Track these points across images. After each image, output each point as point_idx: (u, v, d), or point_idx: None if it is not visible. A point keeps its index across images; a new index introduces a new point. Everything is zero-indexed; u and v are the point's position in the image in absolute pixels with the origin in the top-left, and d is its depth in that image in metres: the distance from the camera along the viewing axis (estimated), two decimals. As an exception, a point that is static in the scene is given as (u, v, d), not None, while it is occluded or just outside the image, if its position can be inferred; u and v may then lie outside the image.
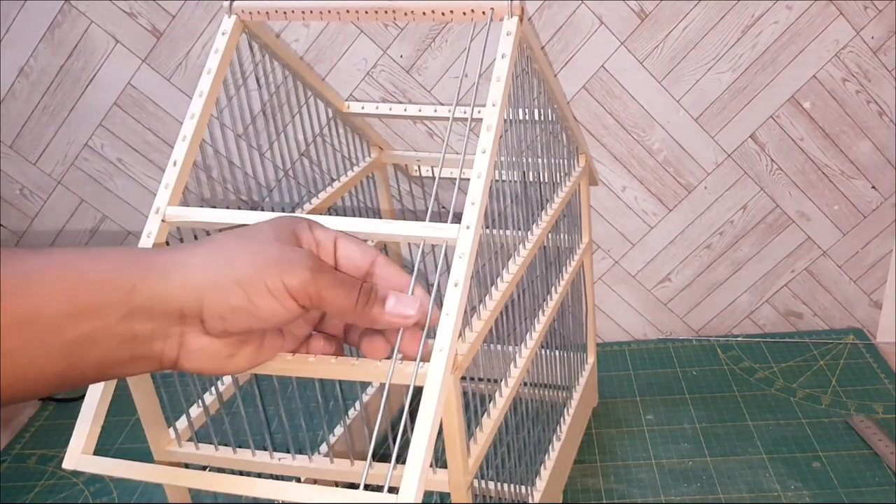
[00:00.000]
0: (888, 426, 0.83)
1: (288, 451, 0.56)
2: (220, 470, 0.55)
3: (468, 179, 0.51)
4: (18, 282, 0.33)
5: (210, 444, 0.56)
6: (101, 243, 0.99)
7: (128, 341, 0.36)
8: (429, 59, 0.88)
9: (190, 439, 0.57)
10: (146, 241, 0.52)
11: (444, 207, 0.96)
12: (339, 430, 0.77)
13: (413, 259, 0.96)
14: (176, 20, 0.87)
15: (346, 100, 0.74)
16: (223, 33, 0.58)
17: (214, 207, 0.56)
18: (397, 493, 0.40)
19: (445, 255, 0.49)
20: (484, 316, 0.55)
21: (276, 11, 0.58)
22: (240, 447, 0.56)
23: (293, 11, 0.58)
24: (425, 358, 0.44)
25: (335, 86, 0.90)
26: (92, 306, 0.34)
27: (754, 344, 1.00)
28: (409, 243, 0.92)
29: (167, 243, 0.53)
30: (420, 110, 0.74)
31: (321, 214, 0.69)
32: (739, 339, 1.02)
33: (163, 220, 0.53)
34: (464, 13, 0.55)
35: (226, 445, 0.56)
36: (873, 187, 0.94)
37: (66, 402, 1.00)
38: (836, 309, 1.02)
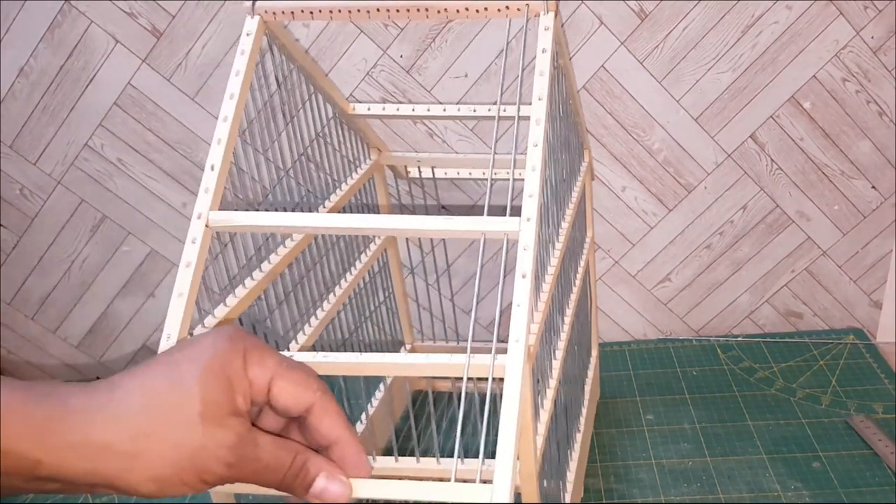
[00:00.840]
0: (888, 426, 0.83)
1: None
2: None
3: (501, 180, 0.51)
4: None
5: None
6: (102, 243, 0.99)
7: (43, 492, 0.35)
8: (429, 60, 0.88)
9: None
10: (192, 248, 0.50)
11: (444, 207, 0.96)
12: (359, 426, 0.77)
13: (411, 258, 0.96)
14: (176, 20, 0.87)
15: (348, 100, 0.74)
16: (248, 34, 0.56)
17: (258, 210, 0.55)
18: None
19: (480, 248, 0.49)
20: (540, 308, 0.55)
21: (303, 11, 0.57)
22: None
23: (320, 11, 0.57)
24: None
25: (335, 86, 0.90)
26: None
27: (754, 344, 1.00)
28: (406, 240, 0.92)
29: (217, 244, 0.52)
30: (453, 110, 0.74)
31: (337, 213, 0.70)
32: (739, 339, 1.02)
33: (207, 226, 0.51)
34: (498, 10, 0.55)
35: None
36: (873, 187, 0.94)
37: (65, 402, 1.00)
38: (836, 309, 1.02)
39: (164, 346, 0.48)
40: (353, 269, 0.78)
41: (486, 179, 0.87)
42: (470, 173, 0.86)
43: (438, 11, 0.56)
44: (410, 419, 0.73)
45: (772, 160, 0.93)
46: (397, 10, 0.56)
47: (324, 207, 0.71)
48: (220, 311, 0.55)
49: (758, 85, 0.89)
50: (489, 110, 0.74)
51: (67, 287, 1.02)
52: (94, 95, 0.91)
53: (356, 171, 0.78)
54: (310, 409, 0.39)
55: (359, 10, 0.56)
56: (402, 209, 0.91)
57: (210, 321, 0.54)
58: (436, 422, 0.86)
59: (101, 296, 1.03)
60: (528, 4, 0.55)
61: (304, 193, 0.68)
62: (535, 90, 0.53)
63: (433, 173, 0.84)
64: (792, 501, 0.75)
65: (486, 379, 0.45)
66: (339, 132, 0.74)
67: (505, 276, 0.48)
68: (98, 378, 1.12)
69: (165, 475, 0.35)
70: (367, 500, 0.42)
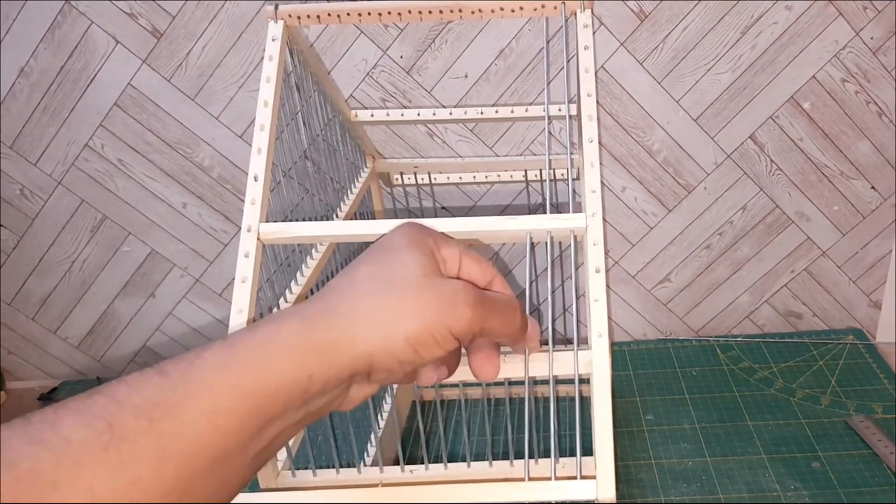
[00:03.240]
0: (887, 426, 0.83)
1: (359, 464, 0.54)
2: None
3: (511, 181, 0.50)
4: (206, 423, 0.30)
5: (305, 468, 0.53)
6: (102, 243, 0.99)
7: (301, 423, 0.35)
8: (429, 60, 0.88)
9: (290, 468, 0.53)
10: (246, 263, 0.50)
11: (443, 208, 0.96)
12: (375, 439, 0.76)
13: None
14: (176, 20, 0.87)
15: (346, 101, 0.74)
16: (273, 39, 0.55)
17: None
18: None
19: (551, 244, 0.49)
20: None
21: (329, 15, 0.55)
22: (340, 468, 0.53)
23: (348, 14, 0.56)
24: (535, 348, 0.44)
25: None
26: (275, 416, 0.33)
27: (754, 344, 1.00)
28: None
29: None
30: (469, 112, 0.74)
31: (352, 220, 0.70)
32: (739, 339, 1.02)
33: (258, 239, 0.51)
34: (535, 9, 0.55)
35: (322, 468, 0.53)
36: (872, 188, 0.94)
37: (66, 403, 1.00)
38: (836, 309, 1.02)
39: None
40: None
41: (485, 182, 0.87)
42: (474, 177, 0.87)
43: (472, 12, 0.55)
44: (436, 425, 0.73)
45: (771, 161, 0.93)
46: (430, 12, 0.55)
47: (337, 216, 0.71)
48: None
49: (757, 85, 0.89)
50: (526, 111, 0.74)
51: (68, 287, 1.02)
52: (95, 96, 0.91)
53: (358, 178, 0.79)
54: (492, 283, 0.41)
55: (389, 12, 0.55)
56: (396, 213, 0.91)
57: None
58: (446, 428, 0.86)
59: (101, 296, 1.03)
60: (564, 3, 0.54)
61: (318, 203, 0.68)
62: (583, 87, 0.52)
63: (430, 178, 0.84)
64: (791, 501, 0.75)
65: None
66: (343, 139, 0.74)
67: (538, 272, 0.48)
68: (98, 378, 1.12)
69: (416, 332, 0.35)
70: None
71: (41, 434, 0.27)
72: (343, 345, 0.35)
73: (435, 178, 0.86)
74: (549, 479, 0.42)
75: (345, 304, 0.36)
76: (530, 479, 0.44)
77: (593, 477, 0.42)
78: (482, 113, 0.76)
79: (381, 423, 0.79)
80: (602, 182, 0.95)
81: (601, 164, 0.94)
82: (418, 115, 0.75)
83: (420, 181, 0.86)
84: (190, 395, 0.30)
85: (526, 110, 0.75)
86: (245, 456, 0.32)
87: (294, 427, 0.35)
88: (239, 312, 0.48)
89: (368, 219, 0.81)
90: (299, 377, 0.33)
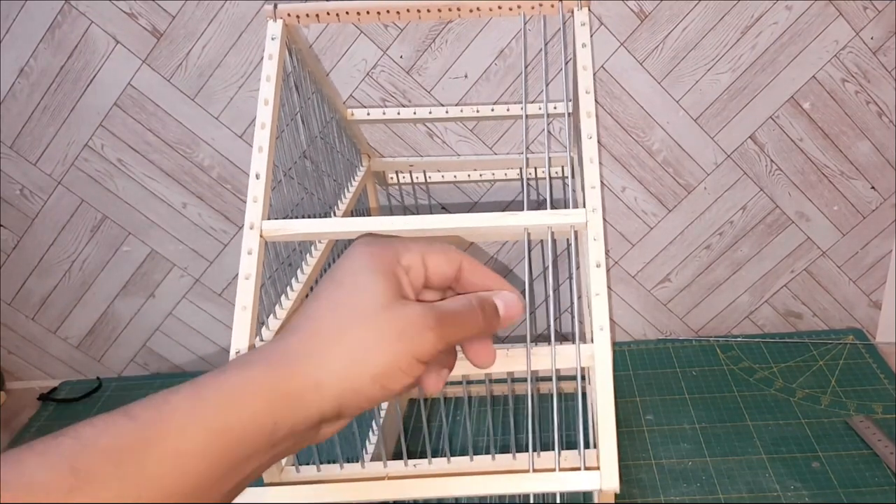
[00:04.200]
0: (887, 426, 0.83)
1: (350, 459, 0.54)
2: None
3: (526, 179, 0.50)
4: (173, 466, 0.31)
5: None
6: (102, 243, 0.99)
7: (271, 461, 0.35)
8: (429, 60, 0.88)
9: (292, 463, 0.53)
10: (249, 260, 0.50)
11: (443, 207, 0.96)
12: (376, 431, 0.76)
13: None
14: (176, 20, 0.87)
15: (346, 101, 0.74)
16: (273, 38, 0.55)
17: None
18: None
19: (551, 241, 0.50)
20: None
21: (328, 14, 0.55)
22: (344, 462, 0.53)
23: (347, 13, 0.56)
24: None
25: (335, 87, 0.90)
26: (241, 460, 0.33)
27: (754, 344, 1.00)
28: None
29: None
30: (460, 111, 0.74)
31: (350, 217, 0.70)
32: (739, 339, 1.02)
33: (261, 236, 0.51)
34: (532, 7, 0.55)
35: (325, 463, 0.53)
36: (872, 188, 0.94)
37: (66, 403, 1.00)
38: (836, 309, 1.02)
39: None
40: None
41: (481, 181, 0.87)
42: (469, 175, 0.87)
43: (471, 10, 0.55)
44: (442, 418, 0.73)
45: (771, 161, 0.93)
46: (428, 11, 0.55)
47: (335, 215, 0.71)
48: (273, 322, 0.55)
49: (757, 85, 0.89)
50: (520, 108, 0.75)
51: (68, 287, 1.02)
52: (95, 96, 0.91)
53: (354, 176, 0.79)
54: (461, 269, 0.41)
55: (388, 11, 0.55)
56: (392, 210, 0.91)
57: (265, 333, 0.53)
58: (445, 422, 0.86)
59: (101, 296, 1.03)
60: (561, 1, 0.54)
61: (317, 202, 0.68)
62: (581, 84, 0.53)
63: (425, 177, 0.84)
64: (791, 501, 0.75)
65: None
66: (340, 138, 0.74)
67: (549, 269, 0.48)
68: (98, 378, 1.11)
69: (382, 368, 0.36)
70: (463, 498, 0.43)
71: (4, 476, 0.27)
72: (308, 391, 0.35)
73: (430, 177, 0.86)
74: (553, 470, 0.42)
75: (306, 345, 0.36)
76: (534, 470, 0.44)
77: (597, 468, 0.42)
78: (478, 111, 0.76)
79: (382, 419, 0.79)
80: (602, 182, 0.95)
81: (601, 163, 0.94)
82: (415, 113, 0.75)
83: (417, 180, 0.86)
84: (157, 440, 0.31)
85: (525, 109, 0.75)
86: (213, 495, 0.32)
87: (264, 466, 0.35)
88: (243, 309, 0.49)
89: (366, 216, 0.82)
90: (264, 424, 0.33)
